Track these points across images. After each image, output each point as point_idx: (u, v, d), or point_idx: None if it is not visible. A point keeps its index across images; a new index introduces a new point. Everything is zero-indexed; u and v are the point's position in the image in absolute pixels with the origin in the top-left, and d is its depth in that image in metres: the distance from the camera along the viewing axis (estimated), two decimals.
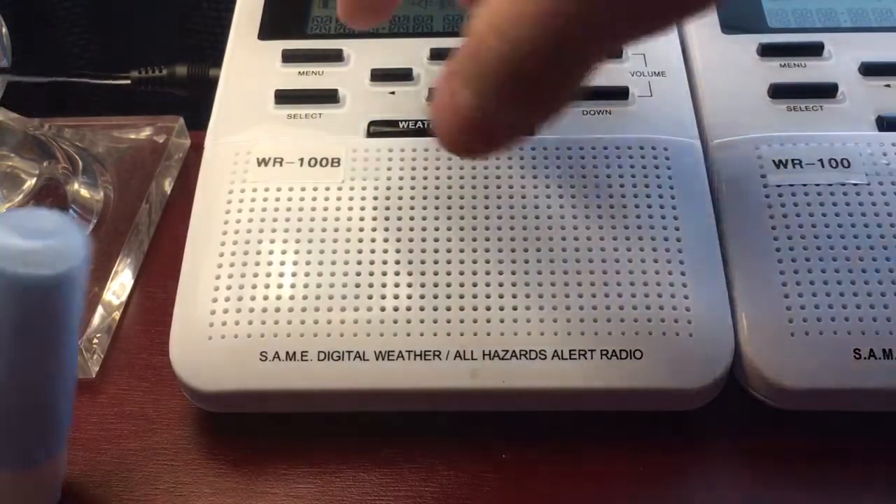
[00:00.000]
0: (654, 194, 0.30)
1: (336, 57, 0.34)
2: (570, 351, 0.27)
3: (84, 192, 0.36)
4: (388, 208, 0.30)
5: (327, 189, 0.30)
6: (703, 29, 0.35)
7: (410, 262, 0.29)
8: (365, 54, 0.35)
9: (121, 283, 0.34)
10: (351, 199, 0.30)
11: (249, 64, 0.35)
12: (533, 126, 0.28)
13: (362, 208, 0.30)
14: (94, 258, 0.33)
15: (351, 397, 0.28)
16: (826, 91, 0.33)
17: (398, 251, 0.29)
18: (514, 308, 0.28)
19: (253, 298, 0.28)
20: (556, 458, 0.28)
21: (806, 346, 0.27)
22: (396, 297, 0.28)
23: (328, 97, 0.33)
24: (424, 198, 0.30)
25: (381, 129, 0.32)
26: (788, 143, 0.31)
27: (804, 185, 0.30)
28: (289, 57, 0.35)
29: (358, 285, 0.28)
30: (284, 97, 0.33)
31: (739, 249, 0.29)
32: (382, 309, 0.28)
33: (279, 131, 0.32)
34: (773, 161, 0.31)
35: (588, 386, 0.27)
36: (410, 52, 0.35)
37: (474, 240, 0.29)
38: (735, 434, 0.29)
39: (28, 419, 0.24)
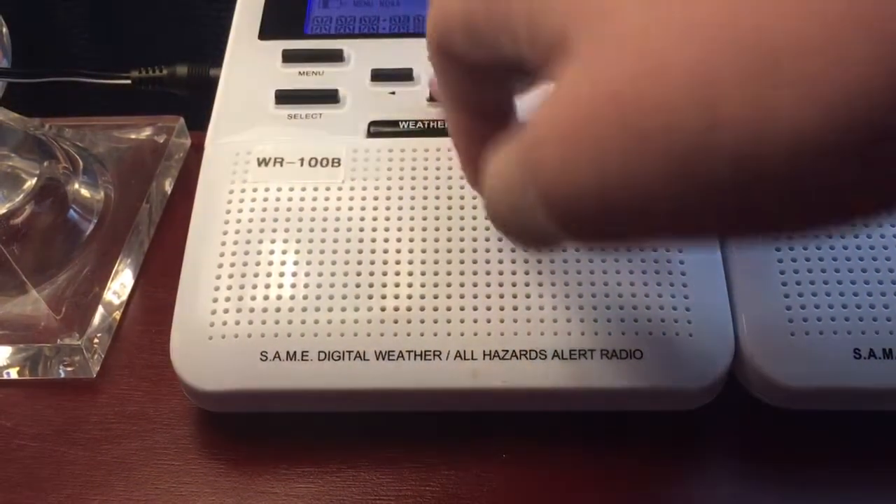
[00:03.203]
0: None
1: (336, 57, 0.34)
2: (570, 351, 0.27)
3: (84, 192, 0.36)
4: (388, 208, 0.30)
5: (327, 189, 0.30)
6: None
7: (410, 262, 0.29)
8: (365, 54, 0.35)
9: (121, 283, 0.34)
10: (351, 199, 0.30)
11: (249, 64, 0.35)
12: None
13: (362, 208, 0.30)
14: (94, 258, 0.34)
15: (351, 397, 0.28)
16: None
17: (398, 251, 0.29)
18: (515, 308, 0.28)
19: (253, 298, 0.28)
20: (556, 458, 0.28)
21: (806, 346, 0.27)
22: (396, 297, 0.28)
23: (328, 97, 0.33)
24: (424, 198, 0.30)
25: (381, 129, 0.32)
26: None
27: None
28: (289, 57, 0.35)
29: (358, 285, 0.28)
30: (285, 97, 0.33)
31: (739, 249, 0.29)
32: (382, 309, 0.28)
33: (279, 131, 0.32)
34: None
35: (588, 386, 0.27)
36: (410, 52, 0.35)
37: (474, 240, 0.29)
38: (735, 434, 0.29)
39: None
